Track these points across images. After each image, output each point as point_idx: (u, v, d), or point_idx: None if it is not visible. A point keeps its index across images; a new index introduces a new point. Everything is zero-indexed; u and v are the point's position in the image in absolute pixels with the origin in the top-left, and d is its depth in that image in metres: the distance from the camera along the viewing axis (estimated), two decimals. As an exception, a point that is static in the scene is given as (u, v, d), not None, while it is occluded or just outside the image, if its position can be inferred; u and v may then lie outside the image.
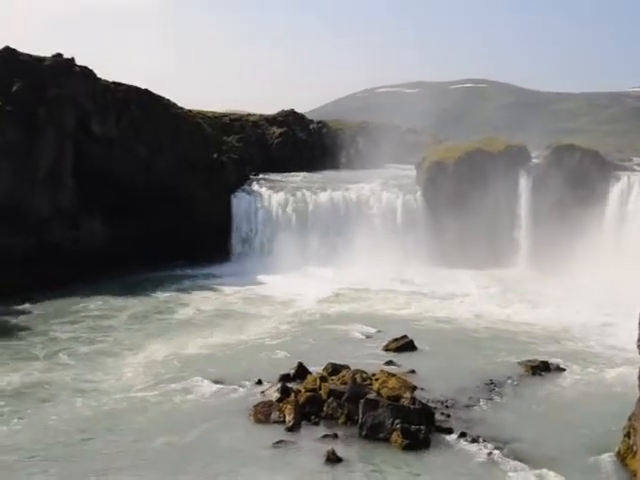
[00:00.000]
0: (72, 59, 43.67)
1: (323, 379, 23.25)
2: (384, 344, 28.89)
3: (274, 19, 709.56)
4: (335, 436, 20.25)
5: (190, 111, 52.25)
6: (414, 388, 22.80)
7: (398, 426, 19.88)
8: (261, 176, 54.51)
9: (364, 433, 20.22)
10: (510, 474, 18.34)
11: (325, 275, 42.66)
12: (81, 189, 42.16)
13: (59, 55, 43.51)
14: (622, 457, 18.76)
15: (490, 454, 19.23)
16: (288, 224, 47.65)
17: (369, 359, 26.82)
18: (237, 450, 19.56)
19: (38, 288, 35.84)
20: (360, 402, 20.66)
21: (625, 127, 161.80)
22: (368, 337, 30.69)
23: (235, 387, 24.07)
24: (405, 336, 29.08)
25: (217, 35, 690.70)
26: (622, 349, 28.51)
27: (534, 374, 25.63)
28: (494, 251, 44.94)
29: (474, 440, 19.97)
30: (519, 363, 26.66)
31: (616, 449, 19.05)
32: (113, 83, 46.28)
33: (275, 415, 21.34)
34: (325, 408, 21.59)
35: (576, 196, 44.81)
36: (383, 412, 20.30)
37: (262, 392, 23.25)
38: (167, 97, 49.12)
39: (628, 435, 18.75)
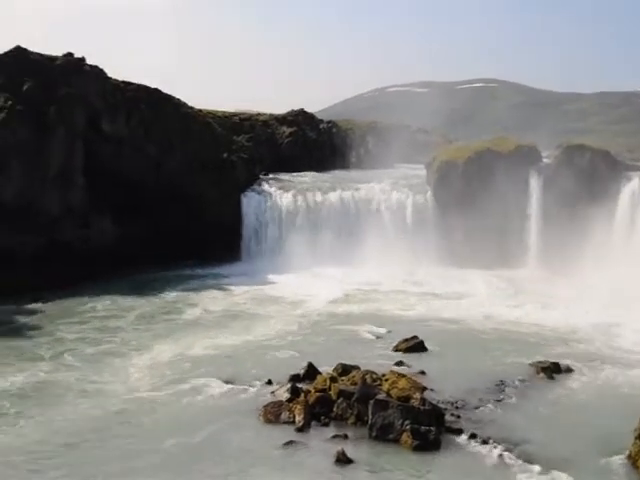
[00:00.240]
0: (83, 58, 43.84)
1: (333, 379, 23.16)
2: (394, 345, 28.80)
3: (282, 19, 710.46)
4: (345, 437, 20.21)
5: (200, 110, 52.29)
6: (424, 389, 22.69)
7: (408, 427, 19.81)
8: (271, 176, 54.44)
9: (374, 434, 20.16)
10: (520, 476, 18.25)
11: (335, 275, 42.55)
12: (91, 188, 42.25)
13: (70, 54, 43.67)
14: (633, 460, 18.57)
15: (501, 455, 19.15)
16: (298, 224, 47.62)
17: (379, 359, 26.73)
18: (247, 450, 19.54)
19: (49, 287, 36.00)
20: (370, 403, 20.59)
21: (636, 127, 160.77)
22: (378, 337, 30.62)
23: (245, 387, 24.03)
24: (415, 337, 29.00)
25: (225, 34, 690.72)
26: (631, 351, 28.48)
27: (544, 375, 25.45)
28: (504, 251, 44.70)
29: (484, 441, 19.89)
30: (530, 364, 26.49)
31: (627, 452, 18.90)
32: (123, 82, 46.40)
33: (285, 415, 21.31)
34: (335, 409, 21.54)
35: (587, 196, 44.49)
36: (393, 413, 20.23)
37: (272, 392, 23.22)
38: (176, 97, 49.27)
39: (639, 437, 18.64)
